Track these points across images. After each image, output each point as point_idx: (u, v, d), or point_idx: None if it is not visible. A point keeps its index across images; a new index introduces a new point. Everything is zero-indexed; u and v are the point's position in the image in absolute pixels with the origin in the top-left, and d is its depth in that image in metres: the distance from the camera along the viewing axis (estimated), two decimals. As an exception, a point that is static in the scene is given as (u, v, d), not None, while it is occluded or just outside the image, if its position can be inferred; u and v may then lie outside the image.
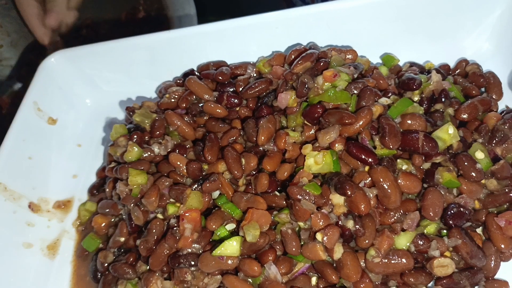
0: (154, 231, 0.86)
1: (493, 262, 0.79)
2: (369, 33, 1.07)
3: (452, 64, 1.06)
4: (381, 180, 0.77)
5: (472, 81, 0.96)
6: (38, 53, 1.33)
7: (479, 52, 1.07)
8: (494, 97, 0.95)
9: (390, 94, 0.90)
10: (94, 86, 1.18)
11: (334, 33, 1.07)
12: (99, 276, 0.93)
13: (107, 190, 0.98)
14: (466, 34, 1.09)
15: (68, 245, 1.01)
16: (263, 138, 0.89)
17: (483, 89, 0.98)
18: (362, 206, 0.76)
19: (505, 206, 0.81)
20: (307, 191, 0.79)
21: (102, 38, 1.14)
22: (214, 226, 0.84)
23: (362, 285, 0.76)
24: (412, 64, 1.03)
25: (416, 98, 0.92)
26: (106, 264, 0.91)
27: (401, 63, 1.06)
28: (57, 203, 1.05)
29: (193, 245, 0.83)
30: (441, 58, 1.08)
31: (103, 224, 0.98)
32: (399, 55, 1.05)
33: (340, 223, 0.78)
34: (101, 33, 1.52)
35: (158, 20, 1.52)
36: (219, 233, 0.84)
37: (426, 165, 0.83)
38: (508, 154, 0.86)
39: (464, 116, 0.88)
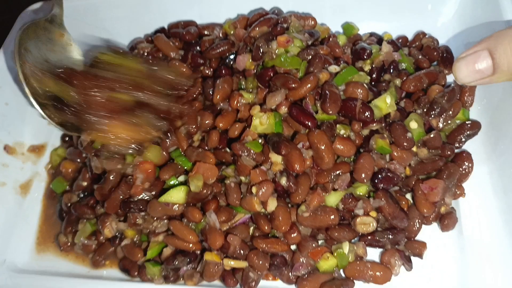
0: (110, 179, 0.93)
1: (416, 225, 0.85)
2: (335, 1, 1.09)
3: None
4: (316, 142, 0.83)
5: (426, 54, 0.99)
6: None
7: (443, 27, 1.09)
8: (445, 72, 0.98)
9: (341, 63, 0.94)
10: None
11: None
12: (64, 215, 1.02)
13: (74, 138, 1.05)
14: (432, 7, 1.10)
15: (39, 186, 1.09)
16: (218, 97, 0.95)
17: (436, 63, 1.01)
18: (297, 165, 0.82)
19: (433, 174, 0.87)
20: (249, 148, 0.85)
21: None
22: (166, 176, 0.91)
23: (291, 235, 0.84)
24: (371, 35, 1.06)
25: (367, 68, 0.96)
26: (69, 205, 1.00)
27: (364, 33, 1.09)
28: (31, 147, 1.13)
29: (144, 193, 0.91)
30: (405, 31, 1.10)
31: (70, 169, 1.06)
32: (364, 26, 1.08)
33: (276, 179, 0.84)
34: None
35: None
36: (171, 182, 0.92)
37: (365, 132, 0.89)
38: (445, 126, 0.91)
39: (409, 88, 0.92)
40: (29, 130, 1.14)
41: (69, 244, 0.98)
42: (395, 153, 0.85)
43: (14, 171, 1.08)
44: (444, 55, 0.99)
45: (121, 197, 0.92)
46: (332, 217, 0.82)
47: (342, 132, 0.87)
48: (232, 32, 1.06)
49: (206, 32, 1.10)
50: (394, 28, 1.10)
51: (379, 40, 1.04)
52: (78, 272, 0.98)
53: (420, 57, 0.99)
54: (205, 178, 0.88)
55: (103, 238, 0.96)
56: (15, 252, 1.01)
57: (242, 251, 0.85)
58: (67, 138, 1.14)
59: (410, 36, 1.08)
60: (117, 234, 0.94)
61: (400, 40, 1.06)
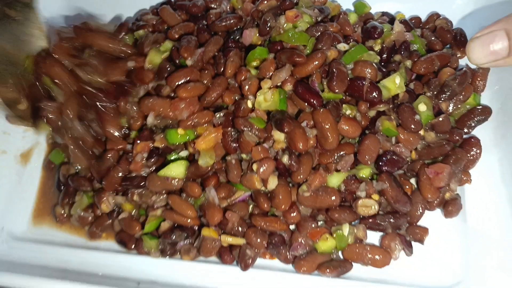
0: (107, 158, 0.91)
1: (419, 210, 0.83)
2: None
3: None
4: (321, 121, 0.81)
5: (439, 36, 0.96)
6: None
7: (458, 8, 1.04)
8: (457, 55, 0.94)
9: (350, 41, 0.91)
10: (76, 9, 1.19)
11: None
12: (61, 187, 1.01)
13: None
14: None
15: (39, 156, 1.08)
16: (230, 71, 0.90)
17: (449, 46, 0.97)
18: (300, 143, 0.80)
19: (440, 159, 0.84)
20: (252, 123, 0.83)
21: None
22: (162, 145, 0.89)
23: (291, 215, 0.82)
24: (384, 14, 1.03)
25: (377, 48, 0.93)
26: (67, 176, 0.99)
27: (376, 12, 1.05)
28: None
29: (143, 169, 0.89)
30: (419, 12, 1.06)
31: (68, 141, 1.04)
32: (377, 5, 1.04)
33: (278, 158, 0.83)
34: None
35: None
36: (172, 158, 0.90)
37: (372, 113, 0.86)
38: (455, 110, 0.88)
39: (420, 69, 0.89)
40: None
41: (65, 215, 0.97)
42: (401, 136, 0.83)
43: (15, 139, 1.07)
44: (458, 37, 0.95)
45: (120, 174, 0.90)
46: (333, 198, 0.81)
47: (348, 112, 0.85)
48: (239, 6, 1.03)
49: (213, 6, 1.06)
50: (407, 8, 1.05)
51: (391, 19, 1.00)
52: (75, 243, 0.98)
53: (432, 38, 0.95)
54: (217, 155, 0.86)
55: (100, 212, 0.95)
56: (13, 220, 1.01)
57: (240, 228, 0.83)
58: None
59: (423, 17, 1.04)
60: (114, 207, 0.94)
61: (413, 21, 1.02)
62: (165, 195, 0.89)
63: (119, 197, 0.93)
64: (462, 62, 0.95)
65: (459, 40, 0.95)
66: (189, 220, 0.85)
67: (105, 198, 0.92)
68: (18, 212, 1.02)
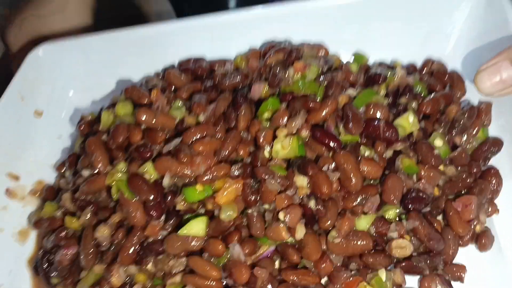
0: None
1: (452, 247, 0.81)
2: (342, 33, 1.11)
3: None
4: (343, 163, 0.80)
5: (437, 79, 1.01)
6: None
7: (446, 56, 1.11)
8: (458, 95, 0.98)
9: (357, 87, 0.94)
10: (78, 78, 1.20)
11: (309, 31, 1.10)
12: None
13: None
14: (435, 38, 1.13)
15: (39, 232, 1.02)
16: (242, 124, 0.91)
17: (447, 88, 1.01)
18: (324, 187, 0.78)
19: (463, 192, 0.84)
20: (274, 171, 0.81)
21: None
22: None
23: (322, 265, 0.78)
24: (380, 64, 1.08)
25: (382, 93, 0.96)
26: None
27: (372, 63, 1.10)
28: (32, 191, 1.07)
29: (160, 233, 0.85)
30: (411, 59, 1.12)
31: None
32: (371, 53, 1.10)
33: (302, 203, 0.80)
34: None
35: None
36: (187, 216, 0.86)
37: (389, 153, 0.86)
38: (469, 144, 0.90)
39: (427, 109, 0.92)
40: (31, 172, 1.08)
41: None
42: (422, 172, 0.82)
43: (13, 215, 1.01)
44: (455, 78, 1.00)
45: (133, 246, 0.84)
46: (366, 242, 0.78)
47: (366, 153, 0.84)
48: (243, 65, 1.07)
49: (217, 67, 1.09)
50: (402, 56, 1.11)
51: (389, 68, 1.05)
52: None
53: (432, 81, 1.00)
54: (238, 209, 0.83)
55: (108, 287, 0.86)
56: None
57: (270, 286, 0.78)
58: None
59: (416, 64, 1.10)
60: (126, 279, 0.86)
61: (410, 68, 1.07)
62: (183, 258, 0.84)
63: (132, 267, 0.86)
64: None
65: (457, 81, 0.99)
66: (214, 283, 0.79)
67: (115, 270, 0.85)
68: (18, 294, 0.93)
